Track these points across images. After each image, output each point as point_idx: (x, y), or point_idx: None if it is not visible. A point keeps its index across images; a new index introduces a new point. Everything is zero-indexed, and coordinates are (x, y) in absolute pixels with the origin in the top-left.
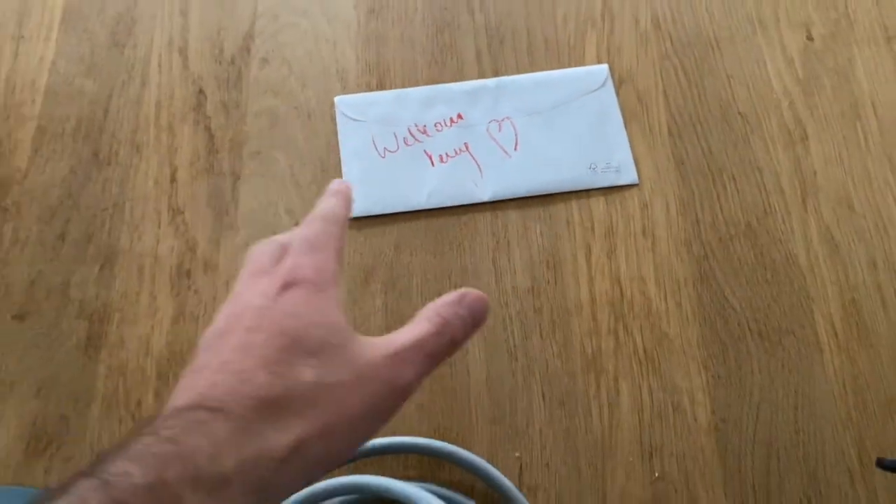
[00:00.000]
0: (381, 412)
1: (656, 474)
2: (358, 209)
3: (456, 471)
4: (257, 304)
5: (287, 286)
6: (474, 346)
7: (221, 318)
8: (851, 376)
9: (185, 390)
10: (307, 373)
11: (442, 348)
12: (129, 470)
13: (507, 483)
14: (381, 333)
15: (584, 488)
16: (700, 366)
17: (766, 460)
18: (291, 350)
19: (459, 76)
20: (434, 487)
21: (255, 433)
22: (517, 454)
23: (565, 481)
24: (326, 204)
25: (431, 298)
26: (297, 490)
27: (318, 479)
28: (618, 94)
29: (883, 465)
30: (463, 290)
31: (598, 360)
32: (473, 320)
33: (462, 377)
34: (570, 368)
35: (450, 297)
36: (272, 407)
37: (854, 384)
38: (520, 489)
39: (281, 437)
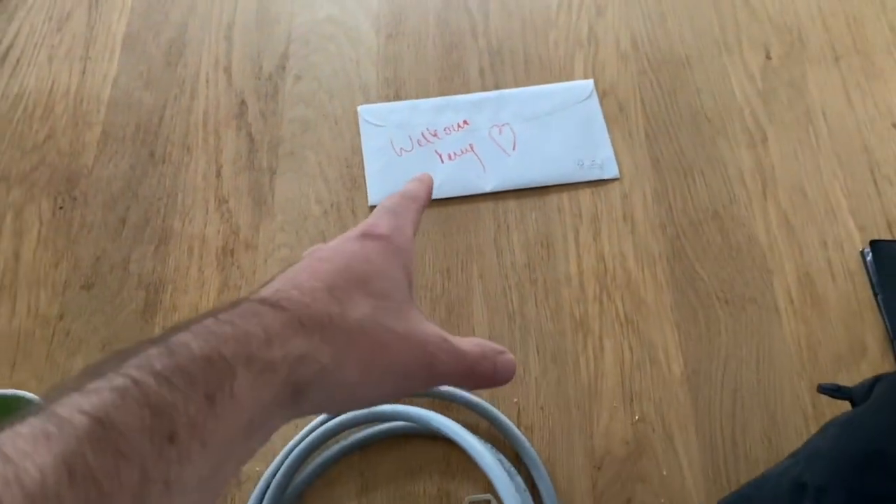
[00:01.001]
0: (409, 377)
1: (637, 416)
2: (377, 198)
3: (462, 412)
4: (334, 244)
5: (364, 236)
6: (479, 310)
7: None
8: (805, 336)
9: (249, 294)
10: (365, 306)
11: (479, 375)
12: (189, 342)
13: (508, 422)
14: None
15: (574, 428)
16: (674, 326)
17: (732, 405)
18: (356, 284)
19: (465, 89)
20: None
21: (305, 335)
22: (515, 400)
23: (557, 422)
24: (408, 185)
25: (442, 271)
26: (326, 410)
27: (342, 411)
28: (602, 103)
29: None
30: (504, 351)
31: (585, 322)
32: (506, 373)
33: (468, 335)
34: (561, 329)
35: (497, 347)
36: (326, 320)
37: (808, 342)
38: (518, 428)
39: (327, 349)
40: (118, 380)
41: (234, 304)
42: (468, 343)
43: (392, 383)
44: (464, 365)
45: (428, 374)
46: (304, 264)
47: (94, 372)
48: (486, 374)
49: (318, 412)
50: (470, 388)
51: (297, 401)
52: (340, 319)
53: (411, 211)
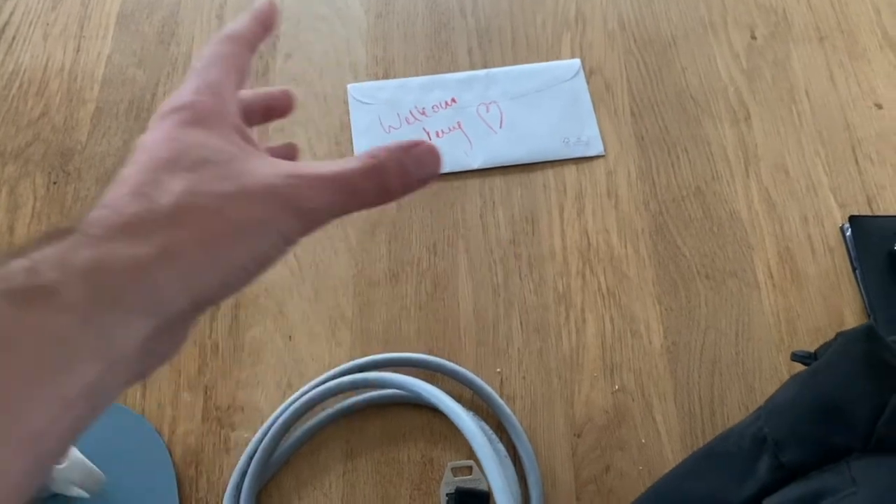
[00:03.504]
0: (271, 227)
1: (616, 386)
2: None
3: (447, 382)
4: (138, 141)
5: (165, 115)
6: (464, 284)
7: None
8: (784, 309)
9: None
10: (177, 185)
11: (366, 190)
12: None
13: (490, 391)
14: (386, 277)
15: (555, 397)
16: (655, 300)
17: (711, 376)
18: (164, 169)
19: (454, 68)
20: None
21: (97, 247)
22: (498, 370)
23: (539, 391)
24: (229, 25)
25: (429, 246)
26: (181, 304)
27: (211, 298)
28: (588, 82)
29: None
30: (416, 139)
31: (568, 295)
32: (419, 171)
33: (453, 309)
34: (544, 302)
35: (397, 142)
36: (129, 225)
37: (787, 315)
38: (500, 397)
39: (137, 248)
40: None
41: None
42: (344, 162)
43: (252, 242)
44: (339, 188)
45: (299, 215)
46: (115, 180)
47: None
48: (390, 186)
49: (178, 305)
50: (376, 204)
51: (111, 309)
52: (148, 213)
53: (223, 58)
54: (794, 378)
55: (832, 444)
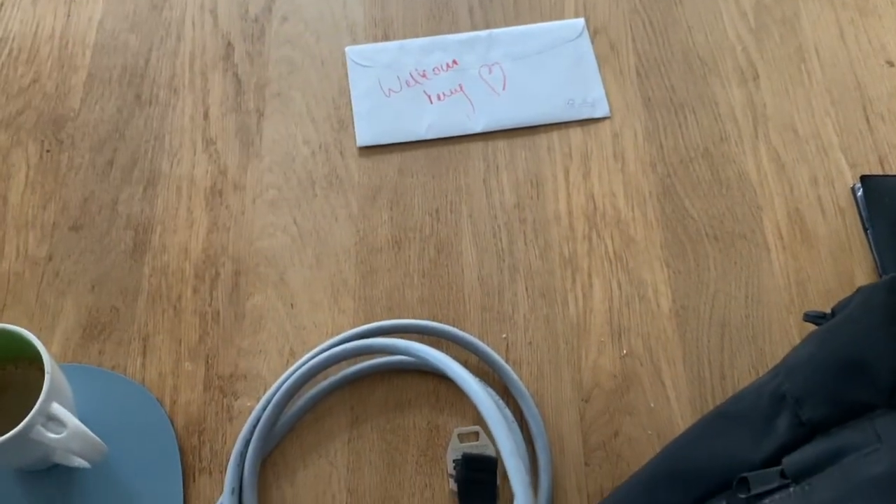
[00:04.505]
0: None
1: (625, 351)
2: (365, 140)
3: (452, 348)
4: None
5: None
6: (468, 250)
7: None
8: (794, 271)
9: None
10: None
11: None
12: None
13: (496, 356)
14: (389, 243)
15: (562, 362)
16: (663, 264)
17: (720, 339)
18: None
19: (455, 29)
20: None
21: None
22: (504, 336)
23: (545, 356)
24: None
25: (431, 212)
26: None
27: None
28: (593, 42)
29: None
30: None
31: (574, 260)
32: None
33: (457, 275)
34: (550, 267)
35: None
36: None
37: (797, 277)
38: (507, 363)
39: None
40: None
41: None
42: None
43: None
44: None
45: None
46: None
47: None
48: None
49: None
50: None
51: None
52: None
53: None
54: (813, 334)
55: (855, 401)
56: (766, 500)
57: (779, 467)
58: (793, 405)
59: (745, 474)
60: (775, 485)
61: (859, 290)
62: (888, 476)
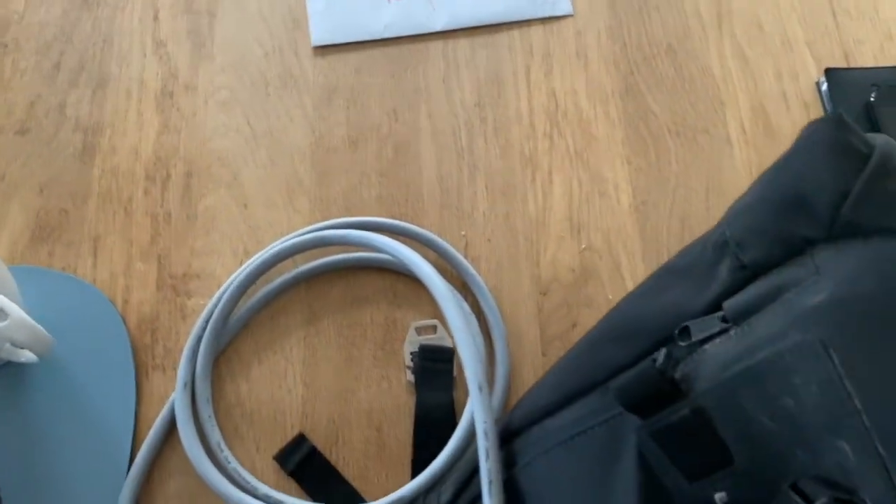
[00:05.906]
0: None
1: (584, 245)
2: (320, 38)
3: (410, 244)
4: None
5: None
6: (427, 149)
7: None
8: (757, 165)
9: None
10: None
11: None
12: None
13: (454, 251)
14: (345, 143)
15: (521, 257)
16: (624, 160)
17: (681, 232)
18: None
19: None
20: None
21: None
22: (463, 233)
23: (504, 252)
24: None
25: (389, 112)
26: None
27: None
28: None
29: None
30: None
31: (535, 158)
32: None
33: (416, 174)
34: (510, 165)
35: None
36: None
37: (759, 170)
38: (465, 259)
39: None
40: None
41: None
42: None
43: None
44: None
45: None
46: None
47: None
48: None
49: None
50: None
51: None
52: None
53: None
54: (759, 178)
55: (795, 238)
56: (707, 346)
57: (720, 312)
58: (734, 248)
59: (686, 322)
60: (716, 329)
61: (804, 128)
62: (826, 304)
